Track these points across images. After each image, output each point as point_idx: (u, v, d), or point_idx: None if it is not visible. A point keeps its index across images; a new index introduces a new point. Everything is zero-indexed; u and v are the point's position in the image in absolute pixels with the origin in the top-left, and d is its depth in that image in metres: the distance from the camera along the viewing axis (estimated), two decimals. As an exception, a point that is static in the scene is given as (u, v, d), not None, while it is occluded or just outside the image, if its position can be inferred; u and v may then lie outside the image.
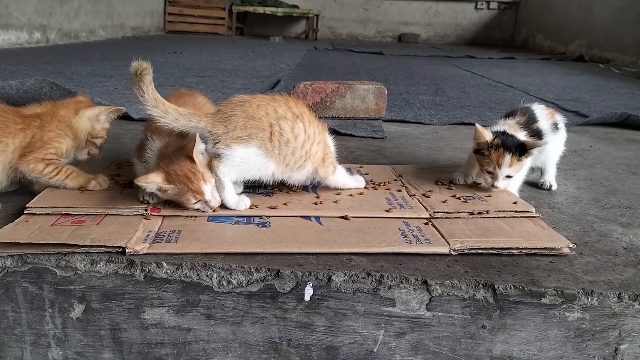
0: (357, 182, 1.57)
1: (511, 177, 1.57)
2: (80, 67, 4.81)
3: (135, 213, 1.33)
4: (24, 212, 1.31)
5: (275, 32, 11.53)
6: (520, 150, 1.54)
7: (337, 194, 1.53)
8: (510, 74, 5.86)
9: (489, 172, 1.57)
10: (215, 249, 1.18)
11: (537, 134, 1.65)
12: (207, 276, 1.14)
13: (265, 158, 1.35)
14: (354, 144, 2.33)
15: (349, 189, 1.56)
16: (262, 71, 5.20)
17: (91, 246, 1.15)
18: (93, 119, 1.54)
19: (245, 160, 1.34)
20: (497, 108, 3.51)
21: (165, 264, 1.14)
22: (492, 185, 1.56)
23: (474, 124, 2.85)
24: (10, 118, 1.42)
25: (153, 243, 1.19)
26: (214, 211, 1.35)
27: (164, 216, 1.34)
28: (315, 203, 1.44)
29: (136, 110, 2.75)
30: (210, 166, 1.35)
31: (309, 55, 7.46)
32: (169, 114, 1.32)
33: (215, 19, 10.81)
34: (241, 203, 1.38)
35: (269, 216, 1.36)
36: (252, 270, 1.14)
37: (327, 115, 2.90)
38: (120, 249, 1.16)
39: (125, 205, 1.36)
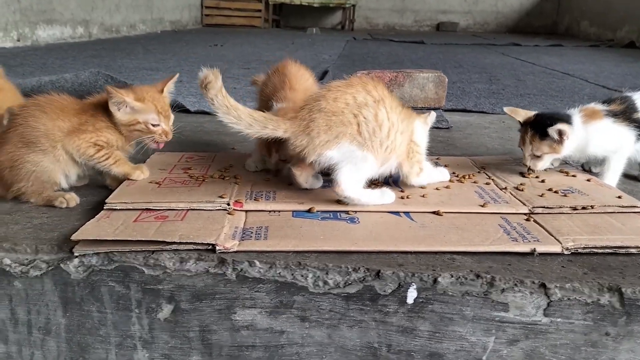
0: (441, 175, 1.48)
1: (539, 157, 1.55)
2: (126, 60, 4.82)
3: (218, 208, 1.27)
4: (104, 207, 1.26)
5: (311, 23, 11.44)
6: (542, 129, 1.53)
7: (423, 187, 1.43)
8: (561, 61, 5.65)
9: (521, 149, 1.60)
10: (308, 246, 1.11)
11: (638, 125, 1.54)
12: (302, 276, 1.07)
13: (362, 152, 1.25)
14: (419, 135, 2.22)
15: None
16: (306, 62, 5.07)
17: (180, 243, 1.09)
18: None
19: (347, 159, 1.25)
20: (559, 96, 3.36)
21: (257, 262, 1.07)
22: (523, 164, 1.59)
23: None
24: (69, 105, 1.38)
25: (242, 240, 1.12)
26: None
27: (246, 211, 1.28)
28: (402, 197, 1.35)
29: (190, 103, 2.70)
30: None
31: (349, 45, 7.35)
32: (242, 120, 1.24)
33: (252, 11, 10.79)
34: (386, 195, 1.32)
35: (356, 211, 1.28)
36: (350, 270, 1.06)
37: (385, 106, 2.80)
38: (210, 246, 1.10)
39: (206, 199, 1.29)
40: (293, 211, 1.28)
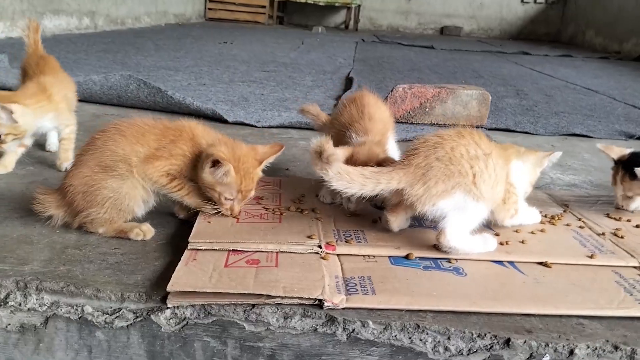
0: (533, 217, 1.39)
1: (630, 197, 1.51)
2: (140, 57, 4.68)
3: (309, 251, 1.17)
4: (188, 247, 1.16)
5: (314, 21, 11.32)
6: (630, 168, 1.48)
7: (516, 231, 1.35)
8: (578, 74, 5.60)
9: (613, 187, 1.56)
10: (422, 304, 1.02)
11: None
12: (420, 340, 0.97)
13: (476, 202, 1.17)
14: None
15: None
16: (323, 66, 5.01)
17: (284, 297, 0.99)
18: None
19: (458, 210, 1.17)
20: (595, 116, 3.29)
21: (371, 323, 0.98)
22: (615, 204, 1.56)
23: (586, 136, 2.68)
24: (150, 129, 1.28)
25: (349, 294, 1.02)
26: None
27: (338, 255, 1.18)
28: (502, 244, 1.26)
29: (224, 111, 2.58)
30: None
31: (360, 48, 7.24)
32: (355, 181, 1.16)
33: (256, 7, 10.62)
34: (489, 243, 1.23)
35: (457, 260, 1.19)
36: (475, 336, 0.97)
37: (426, 122, 2.72)
38: (316, 301, 1.00)
39: (295, 241, 1.20)
40: (390, 257, 1.18)
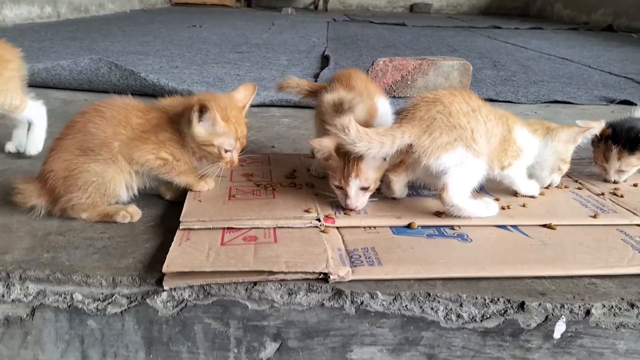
0: (531, 189, 1.35)
1: (624, 171, 1.46)
2: (107, 43, 4.52)
3: (308, 225, 1.12)
4: (180, 227, 1.09)
5: (283, 3, 11.12)
6: (632, 143, 1.41)
7: (515, 195, 1.32)
8: (550, 45, 5.62)
9: (601, 165, 1.48)
10: (431, 273, 0.98)
11: None
12: (431, 309, 0.93)
13: (477, 160, 1.15)
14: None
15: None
16: (297, 46, 4.92)
17: (287, 272, 0.94)
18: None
19: (460, 166, 1.13)
20: (573, 83, 3.29)
21: (380, 294, 0.93)
22: (605, 180, 1.47)
23: (567, 102, 2.68)
24: (132, 110, 1.20)
25: (354, 266, 0.98)
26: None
27: (338, 227, 1.13)
28: (503, 208, 1.23)
29: (200, 92, 2.50)
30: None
31: (332, 27, 7.15)
32: (374, 141, 1.11)
33: (224, -11, 10.40)
34: (491, 206, 1.20)
35: (460, 226, 1.15)
36: (487, 301, 0.93)
37: (408, 95, 2.68)
38: (321, 275, 0.95)
39: (292, 215, 1.14)
40: (391, 227, 1.14)
